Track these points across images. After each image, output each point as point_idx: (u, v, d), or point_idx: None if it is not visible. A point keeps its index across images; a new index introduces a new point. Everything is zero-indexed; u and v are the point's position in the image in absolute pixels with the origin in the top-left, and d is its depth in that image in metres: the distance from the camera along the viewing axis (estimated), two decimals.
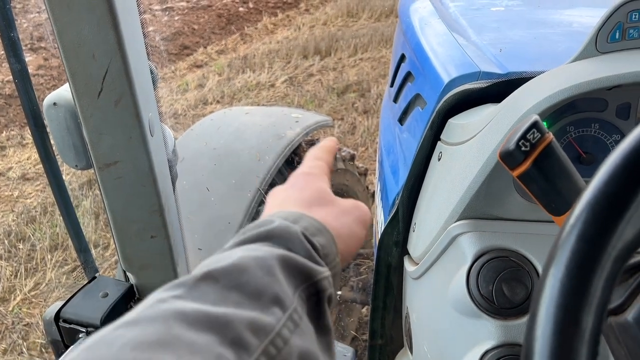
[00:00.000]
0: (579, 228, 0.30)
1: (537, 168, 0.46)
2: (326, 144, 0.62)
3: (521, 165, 0.46)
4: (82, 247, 0.94)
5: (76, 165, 0.80)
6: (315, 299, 0.42)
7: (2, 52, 0.78)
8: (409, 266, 0.90)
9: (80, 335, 0.76)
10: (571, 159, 0.74)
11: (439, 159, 0.85)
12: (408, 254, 0.92)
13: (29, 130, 0.86)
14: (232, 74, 4.49)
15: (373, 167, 2.55)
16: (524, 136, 0.45)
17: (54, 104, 0.75)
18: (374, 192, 2.12)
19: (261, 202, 1.59)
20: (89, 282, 0.83)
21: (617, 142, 0.71)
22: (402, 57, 1.35)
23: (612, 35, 0.67)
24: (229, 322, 0.34)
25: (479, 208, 0.73)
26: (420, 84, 1.13)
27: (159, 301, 0.35)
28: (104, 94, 0.66)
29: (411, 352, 0.90)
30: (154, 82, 0.77)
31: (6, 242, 2.65)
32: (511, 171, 0.47)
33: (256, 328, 0.35)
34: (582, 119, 0.73)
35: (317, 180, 0.55)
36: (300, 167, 0.59)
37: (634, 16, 0.65)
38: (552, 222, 0.52)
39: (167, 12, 5.58)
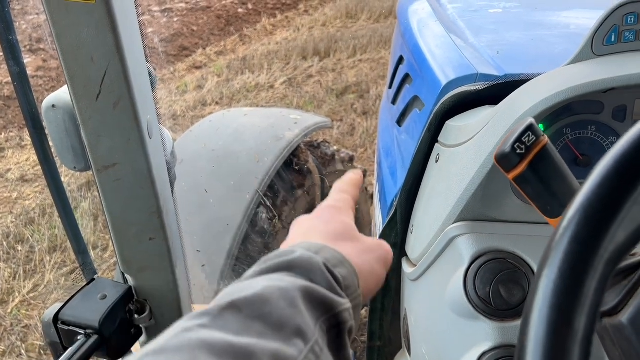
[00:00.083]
0: (572, 230, 0.30)
1: (532, 170, 0.46)
2: (352, 177, 0.63)
3: (516, 167, 0.46)
4: (80, 249, 0.94)
5: (75, 167, 0.81)
6: (336, 331, 0.43)
7: (1, 53, 0.78)
8: (407, 268, 0.90)
9: (78, 337, 0.76)
10: (568, 161, 0.75)
11: (437, 161, 0.85)
12: (406, 255, 0.93)
13: (27, 132, 0.86)
14: (231, 75, 4.50)
15: (372, 169, 2.55)
16: (519, 139, 0.45)
17: (53, 106, 0.75)
18: (372, 193, 2.12)
19: (260, 204, 1.59)
20: (88, 284, 0.83)
21: (613, 144, 0.71)
22: (401, 59, 1.35)
23: (608, 38, 0.68)
24: (253, 354, 0.34)
25: (476, 210, 0.73)
26: (418, 85, 1.13)
27: (185, 330, 0.36)
28: (102, 97, 0.66)
29: (409, 354, 0.91)
30: (153, 85, 0.77)
31: (5, 243, 2.65)
32: (507, 174, 0.48)
33: None
34: (579, 121, 0.73)
35: (342, 214, 0.56)
36: (326, 199, 0.59)
37: (629, 19, 0.66)
38: (549, 224, 0.52)
39: (166, 14, 5.59)
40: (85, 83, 0.65)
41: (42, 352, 2.14)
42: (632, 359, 0.41)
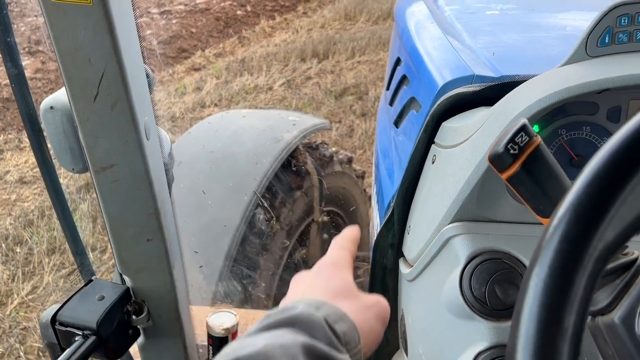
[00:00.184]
0: (562, 229, 0.31)
1: (525, 171, 0.47)
2: (350, 233, 0.64)
3: (510, 168, 0.47)
4: (78, 250, 0.95)
5: (73, 169, 0.81)
6: None
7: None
8: (403, 268, 0.90)
9: (76, 338, 0.76)
10: (563, 162, 0.75)
11: (433, 162, 0.86)
12: (403, 256, 0.93)
13: (26, 134, 0.86)
14: (230, 77, 4.50)
15: (371, 170, 2.56)
16: (512, 139, 0.46)
17: (51, 107, 0.76)
18: (370, 195, 2.13)
19: (257, 206, 1.60)
20: (85, 285, 0.83)
21: None
22: (398, 61, 1.36)
23: (601, 40, 0.68)
24: None
25: (471, 210, 0.73)
26: (415, 87, 1.13)
27: None
28: (99, 98, 0.66)
29: (406, 354, 0.91)
30: (150, 86, 0.78)
31: (3, 245, 2.65)
32: (500, 174, 0.48)
33: None
34: (574, 122, 0.74)
35: (342, 271, 0.57)
36: (326, 255, 0.61)
37: (623, 20, 0.66)
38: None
39: (164, 16, 5.59)
40: (82, 85, 0.66)
41: (40, 354, 2.14)
42: (625, 357, 0.42)
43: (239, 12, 5.96)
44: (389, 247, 0.98)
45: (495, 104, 0.74)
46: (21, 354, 2.13)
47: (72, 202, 2.83)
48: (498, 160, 0.47)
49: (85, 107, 0.67)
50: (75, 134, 0.74)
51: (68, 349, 0.75)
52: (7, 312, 2.32)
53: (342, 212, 2.13)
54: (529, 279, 0.31)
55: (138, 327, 0.87)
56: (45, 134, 0.81)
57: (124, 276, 0.84)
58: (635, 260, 0.44)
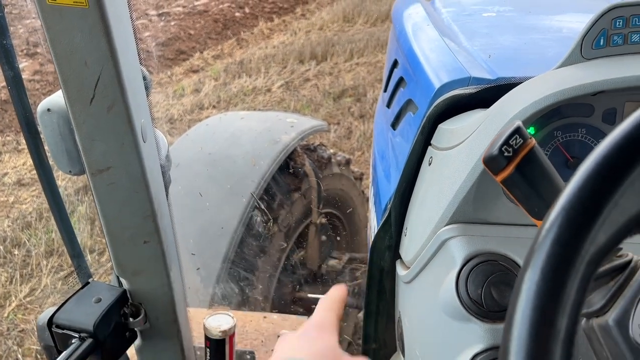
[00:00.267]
0: (554, 232, 0.31)
1: (519, 173, 0.47)
2: (337, 294, 0.65)
3: (504, 170, 0.47)
4: (75, 253, 0.95)
5: (70, 171, 0.81)
6: None
7: None
8: (400, 270, 0.90)
9: (73, 341, 0.76)
10: (559, 163, 0.76)
11: (430, 164, 0.86)
12: (400, 258, 0.93)
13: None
14: (229, 78, 4.50)
15: (369, 172, 2.56)
16: (506, 142, 0.46)
17: (48, 109, 0.76)
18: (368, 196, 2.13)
19: (255, 208, 1.60)
20: (82, 287, 0.83)
21: None
22: (395, 63, 1.36)
23: (596, 42, 0.68)
24: None
25: (468, 212, 0.74)
26: (412, 89, 1.14)
27: None
28: (96, 101, 0.66)
29: (404, 356, 0.91)
30: (147, 88, 0.78)
31: (1, 247, 2.65)
32: (495, 176, 0.48)
33: None
34: (569, 124, 0.74)
35: (327, 333, 0.58)
36: (312, 316, 0.61)
37: (617, 23, 0.67)
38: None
39: (163, 18, 5.60)
40: (79, 87, 0.66)
41: (38, 356, 2.14)
42: (619, 359, 0.42)
43: (237, 14, 5.96)
44: (386, 249, 0.98)
45: (491, 106, 0.75)
46: (19, 356, 2.13)
47: (70, 204, 2.83)
48: (492, 163, 0.47)
49: (82, 110, 0.67)
50: (73, 136, 0.74)
51: (64, 352, 0.75)
52: (5, 315, 2.32)
53: (340, 213, 2.13)
54: (522, 282, 0.31)
55: (135, 329, 0.87)
56: (42, 136, 0.81)
57: (120, 278, 0.84)
58: (629, 262, 0.44)
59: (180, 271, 0.89)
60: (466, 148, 0.74)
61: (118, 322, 0.82)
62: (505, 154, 0.46)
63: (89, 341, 0.75)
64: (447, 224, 0.75)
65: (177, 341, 0.90)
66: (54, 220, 0.96)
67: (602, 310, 0.43)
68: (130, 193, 0.74)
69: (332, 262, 2.05)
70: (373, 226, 1.30)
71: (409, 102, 1.14)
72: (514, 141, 0.46)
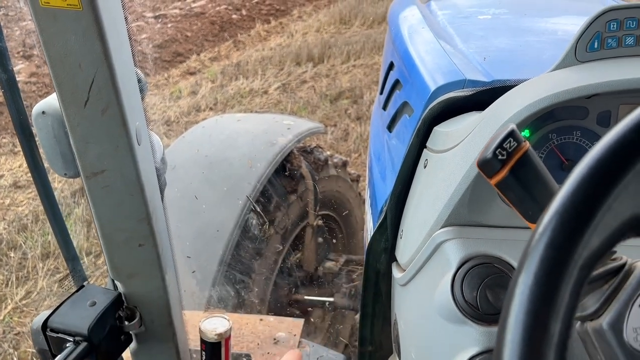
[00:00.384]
0: (547, 236, 0.31)
1: (513, 176, 0.47)
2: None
3: (498, 173, 0.47)
4: (70, 256, 0.94)
5: (65, 174, 0.81)
6: None
7: None
8: (396, 273, 0.90)
9: (67, 344, 0.76)
10: (553, 166, 0.76)
11: (425, 167, 0.86)
12: (396, 260, 0.93)
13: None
14: (225, 81, 4.50)
15: (365, 174, 2.56)
16: (500, 145, 0.46)
17: (43, 112, 0.75)
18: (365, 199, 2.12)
19: (251, 210, 1.59)
20: (77, 290, 0.82)
21: None
22: (391, 65, 1.36)
23: (591, 45, 0.68)
24: None
25: (463, 215, 0.74)
26: (408, 91, 1.14)
27: None
28: (90, 103, 0.66)
29: (400, 358, 0.91)
30: (142, 91, 0.78)
31: None
32: (489, 179, 0.48)
33: None
34: (564, 127, 0.74)
35: None
36: None
37: (612, 26, 0.67)
38: None
39: (160, 20, 5.59)
40: (73, 90, 0.65)
41: (34, 359, 2.13)
42: None
43: (234, 16, 5.96)
44: (382, 251, 0.98)
45: (486, 109, 0.75)
46: (15, 359, 2.12)
47: (66, 206, 2.82)
48: (486, 166, 0.47)
49: (76, 113, 0.67)
50: (67, 139, 0.73)
51: (59, 356, 0.74)
52: (1, 317, 2.30)
53: (337, 215, 2.13)
54: (515, 286, 0.31)
55: (130, 332, 0.86)
56: (37, 139, 0.81)
57: (115, 282, 0.83)
58: (623, 265, 0.44)
59: (175, 274, 0.89)
60: (461, 151, 0.74)
61: (113, 326, 0.81)
62: (499, 157, 0.46)
63: (83, 345, 0.75)
64: (442, 227, 0.75)
65: (173, 344, 0.90)
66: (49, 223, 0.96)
67: (596, 314, 0.43)
68: (125, 196, 0.74)
69: (328, 264, 2.05)
70: (369, 228, 1.30)
71: (404, 105, 1.14)
72: (508, 144, 0.46)
